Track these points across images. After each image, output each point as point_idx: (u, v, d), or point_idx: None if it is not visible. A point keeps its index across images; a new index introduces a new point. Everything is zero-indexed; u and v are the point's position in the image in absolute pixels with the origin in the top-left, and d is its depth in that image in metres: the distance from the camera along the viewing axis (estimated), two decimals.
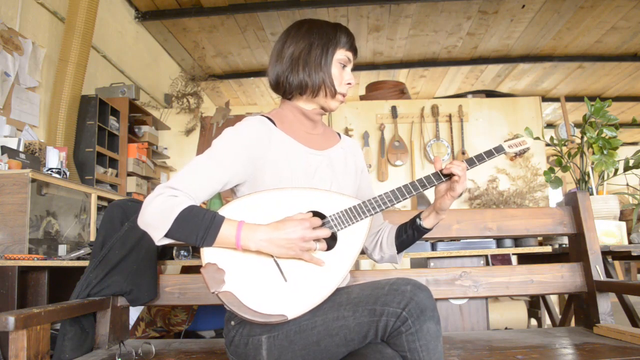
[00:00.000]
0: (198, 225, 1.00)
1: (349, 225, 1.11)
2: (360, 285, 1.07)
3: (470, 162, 1.19)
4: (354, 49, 1.22)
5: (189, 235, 1.00)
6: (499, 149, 1.24)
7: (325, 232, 1.05)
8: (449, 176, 1.15)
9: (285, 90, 1.20)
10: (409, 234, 1.27)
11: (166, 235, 1.00)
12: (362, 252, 1.30)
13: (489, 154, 1.21)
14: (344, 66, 1.20)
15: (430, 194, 4.53)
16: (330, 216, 1.10)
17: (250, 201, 1.08)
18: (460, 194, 1.15)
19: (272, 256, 1.04)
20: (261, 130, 1.14)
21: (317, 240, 1.05)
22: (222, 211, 1.05)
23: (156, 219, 0.99)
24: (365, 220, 1.13)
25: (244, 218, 1.04)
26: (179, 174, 1.07)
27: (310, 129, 1.24)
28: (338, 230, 1.10)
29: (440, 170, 1.16)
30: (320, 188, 1.14)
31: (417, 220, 1.25)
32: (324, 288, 1.05)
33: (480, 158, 1.20)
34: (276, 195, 1.09)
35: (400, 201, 1.16)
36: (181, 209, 1.00)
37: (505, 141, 1.28)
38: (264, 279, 1.03)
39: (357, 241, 1.12)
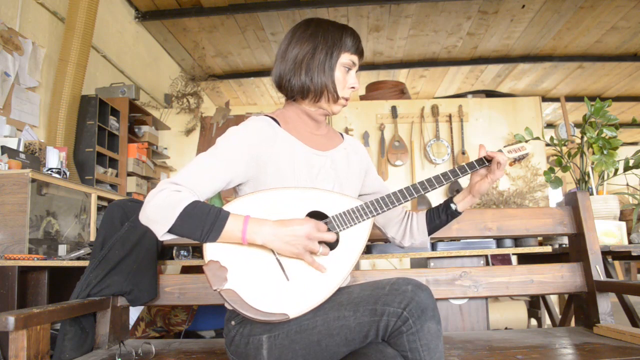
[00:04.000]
0: (203, 220, 0.99)
1: (351, 225, 1.11)
2: (360, 285, 1.07)
3: (471, 167, 1.23)
4: (359, 52, 1.20)
5: (194, 231, 1.00)
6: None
7: (331, 236, 1.05)
8: (490, 162, 1.23)
9: (287, 92, 1.20)
10: (442, 219, 1.33)
11: (169, 231, 1.00)
12: (362, 253, 1.30)
13: (480, 162, 1.24)
14: (349, 69, 1.19)
15: (430, 194, 4.53)
16: (332, 216, 1.10)
17: (252, 199, 1.08)
18: (497, 180, 1.23)
19: (274, 255, 1.04)
20: (266, 130, 1.14)
21: (320, 243, 1.05)
22: (225, 208, 1.05)
23: (159, 214, 0.99)
24: (368, 221, 1.13)
25: (248, 214, 1.04)
26: (182, 170, 1.06)
27: (314, 129, 1.24)
28: (340, 230, 1.10)
29: (484, 157, 1.23)
30: (323, 188, 1.14)
31: (452, 205, 1.31)
32: (325, 288, 1.05)
33: (480, 163, 1.24)
34: (279, 194, 1.09)
35: (402, 203, 1.16)
36: (186, 204, 0.99)
37: (505, 146, 1.30)
38: (266, 278, 1.03)
39: (359, 242, 1.12)
